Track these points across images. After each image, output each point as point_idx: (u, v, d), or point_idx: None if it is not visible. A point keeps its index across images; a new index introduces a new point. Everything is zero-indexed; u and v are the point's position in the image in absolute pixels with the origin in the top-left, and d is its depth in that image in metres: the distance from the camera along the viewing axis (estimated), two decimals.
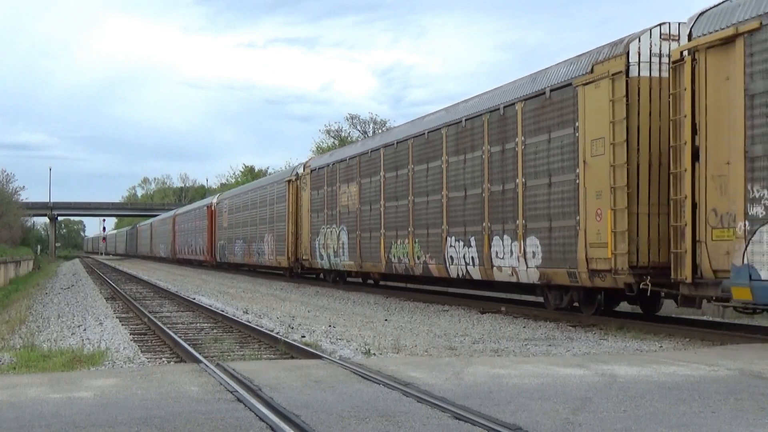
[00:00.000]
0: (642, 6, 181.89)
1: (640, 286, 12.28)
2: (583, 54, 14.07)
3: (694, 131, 11.05)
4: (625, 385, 7.18)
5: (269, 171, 79.89)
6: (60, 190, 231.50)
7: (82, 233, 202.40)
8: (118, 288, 27.55)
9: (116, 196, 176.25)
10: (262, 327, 13.62)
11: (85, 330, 14.18)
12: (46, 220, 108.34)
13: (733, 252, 10.33)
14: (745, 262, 10.08)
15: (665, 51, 12.55)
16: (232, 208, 41.76)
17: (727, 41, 10.47)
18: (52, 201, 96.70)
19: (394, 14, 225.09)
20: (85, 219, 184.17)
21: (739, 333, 11.84)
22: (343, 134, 67.75)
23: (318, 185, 27.33)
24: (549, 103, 14.41)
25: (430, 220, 18.96)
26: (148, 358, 11.03)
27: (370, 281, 25.64)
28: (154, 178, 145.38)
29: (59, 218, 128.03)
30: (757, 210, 10.01)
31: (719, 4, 11.06)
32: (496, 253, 16.03)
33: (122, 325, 15.26)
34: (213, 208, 46.54)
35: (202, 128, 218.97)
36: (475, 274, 16.90)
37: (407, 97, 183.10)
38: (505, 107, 15.82)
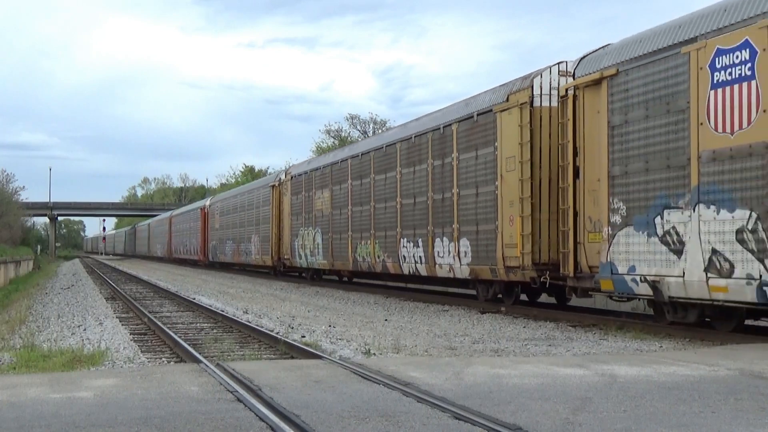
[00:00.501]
0: (641, 6, 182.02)
1: (542, 280, 14.78)
2: (503, 84, 16.58)
3: (576, 154, 13.57)
4: (625, 385, 7.18)
5: (269, 171, 79.93)
6: (60, 190, 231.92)
7: (82, 233, 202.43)
8: (118, 288, 27.56)
9: (116, 196, 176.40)
10: (262, 327, 13.62)
11: (85, 330, 14.18)
12: (46, 220, 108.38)
13: (601, 251, 12.89)
14: (608, 259, 12.70)
15: (561, 85, 14.70)
16: (223, 210, 44.06)
17: (597, 82, 13.04)
18: (52, 201, 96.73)
19: (394, 14, 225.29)
20: (85, 219, 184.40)
21: (739, 333, 11.83)
22: (343, 134, 67.80)
23: (297, 191, 29.86)
24: (477, 125, 16.97)
25: (388, 223, 21.47)
26: (148, 358, 11.04)
27: (345, 279, 28.51)
28: (154, 178, 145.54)
29: (59, 218, 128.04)
30: (616, 218, 12.60)
31: (594, 51, 13.67)
32: (438, 252, 18.56)
33: (122, 325, 15.26)
34: (206, 210, 48.68)
35: (202, 128, 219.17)
36: (423, 271, 19.52)
37: (407, 97, 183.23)
38: (444, 127, 18.45)
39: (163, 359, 11.15)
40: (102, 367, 9.65)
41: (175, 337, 12.49)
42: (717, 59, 10.79)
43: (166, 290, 25.69)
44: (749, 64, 10.34)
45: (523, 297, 17.50)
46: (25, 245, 63.23)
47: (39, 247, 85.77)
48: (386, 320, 15.31)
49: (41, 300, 22.69)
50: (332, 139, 67.81)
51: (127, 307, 19.56)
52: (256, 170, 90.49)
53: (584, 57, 13.78)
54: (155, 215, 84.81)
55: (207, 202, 50.53)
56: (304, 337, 12.23)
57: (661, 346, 10.98)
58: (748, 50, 10.36)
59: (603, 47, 13.58)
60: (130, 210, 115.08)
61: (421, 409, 6.16)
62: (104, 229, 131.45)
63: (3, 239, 48.83)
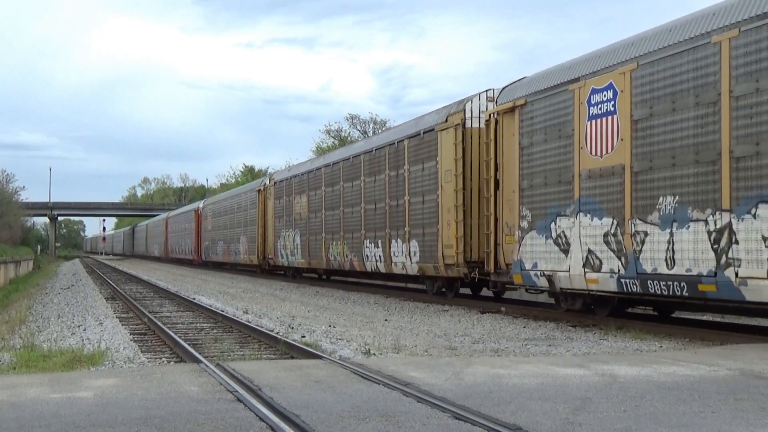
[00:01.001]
0: (640, 5, 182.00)
1: (471, 276, 17.43)
2: (444, 107, 19.18)
3: (496, 169, 16.04)
4: (625, 385, 7.18)
5: (269, 171, 79.96)
6: (59, 190, 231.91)
7: (82, 233, 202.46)
8: (118, 288, 27.56)
9: (116, 196, 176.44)
10: (262, 327, 13.62)
11: (85, 330, 14.18)
12: (46, 220, 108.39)
13: (514, 251, 15.43)
14: (519, 258, 15.27)
15: (487, 110, 17.03)
16: (215, 212, 46.69)
17: (512, 109, 15.52)
18: (52, 201, 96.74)
19: (393, 14, 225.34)
20: (85, 219, 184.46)
21: (739, 333, 11.84)
22: (343, 134, 67.78)
23: (279, 195, 32.67)
24: (423, 141, 19.65)
25: (354, 226, 24.12)
26: (148, 358, 11.04)
27: (323, 277, 31.06)
28: (154, 178, 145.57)
29: (59, 218, 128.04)
30: (524, 224, 15.08)
31: (513, 83, 16.23)
32: (394, 252, 21.26)
33: (122, 325, 15.26)
34: (199, 212, 51.22)
35: (202, 128, 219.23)
36: (382, 268, 22.31)
37: (406, 97, 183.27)
38: (398, 142, 21.20)
39: (163, 359, 11.15)
40: (102, 367, 9.65)
41: (175, 337, 12.49)
42: (592, 96, 13.35)
43: (166, 290, 25.69)
44: (613, 102, 12.90)
45: (468, 291, 19.96)
46: (25, 245, 63.25)
47: (39, 247, 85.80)
48: (386, 320, 15.31)
49: (41, 300, 22.69)
50: (332, 139, 67.81)
51: (127, 307, 19.56)
52: (256, 170, 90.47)
53: (504, 88, 16.37)
54: (155, 215, 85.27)
55: (200, 204, 52.87)
56: (304, 337, 12.23)
57: (661, 346, 10.98)
58: (611, 90, 12.96)
59: (519, 80, 16.13)
60: (130, 210, 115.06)
61: (421, 409, 6.16)
62: (104, 229, 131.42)
63: (3, 239, 48.83)
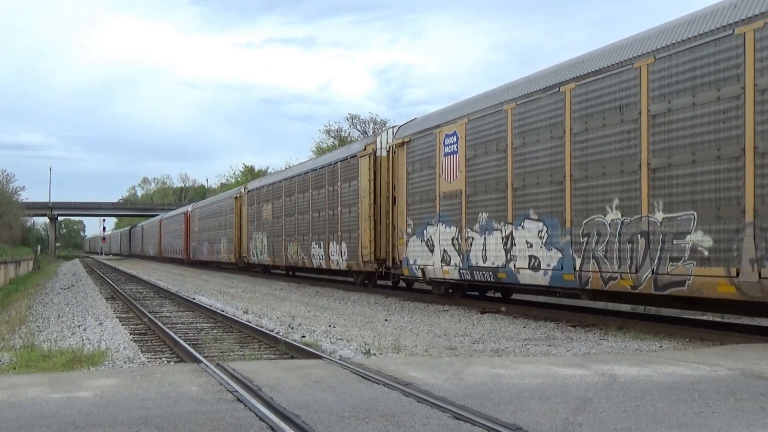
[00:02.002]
0: (639, 5, 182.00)
1: (380, 270, 22.61)
2: (364, 138, 26.37)
3: (394, 188, 21.18)
4: (625, 385, 7.18)
5: (269, 170, 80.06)
6: (59, 190, 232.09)
7: (82, 233, 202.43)
8: (118, 288, 27.56)
9: (116, 196, 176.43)
10: (262, 327, 13.62)
11: (85, 330, 14.18)
12: (46, 220, 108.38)
13: (404, 251, 20.27)
14: (406, 256, 20.11)
15: (391, 142, 21.89)
16: (201, 216, 51.65)
17: (402, 144, 20.50)
18: (52, 201, 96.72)
19: (392, 14, 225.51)
20: (85, 219, 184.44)
21: (739, 333, 11.84)
22: (343, 134, 67.76)
23: (251, 202, 37.81)
24: (350, 165, 24.74)
25: (305, 230, 29.34)
26: (148, 358, 11.03)
27: (288, 273, 35.49)
28: (154, 178, 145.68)
29: (59, 218, 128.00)
30: (409, 230, 19.94)
31: (407, 122, 21.44)
32: (331, 252, 26.23)
33: (122, 325, 15.26)
34: (188, 215, 56.05)
35: (201, 128, 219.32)
36: (323, 265, 27.29)
37: (405, 97, 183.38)
38: (334, 164, 26.50)
39: (163, 359, 11.15)
40: (102, 367, 9.64)
41: (175, 337, 12.49)
42: (446, 139, 18.23)
43: (166, 290, 25.69)
44: (456, 144, 17.75)
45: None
46: (25, 245, 63.26)
47: (39, 247, 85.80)
48: (386, 320, 15.31)
49: (41, 300, 22.69)
50: (332, 139, 67.79)
51: (127, 307, 19.56)
52: (256, 170, 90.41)
53: (400, 127, 21.66)
54: (155, 215, 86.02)
55: (189, 208, 58.09)
56: (304, 337, 12.23)
57: (661, 346, 10.98)
58: (455, 136, 17.84)
59: (410, 121, 21.46)
60: (130, 210, 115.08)
61: (421, 409, 6.16)
62: (104, 229, 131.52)
63: (3, 239, 48.82)
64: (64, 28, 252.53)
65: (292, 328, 13.74)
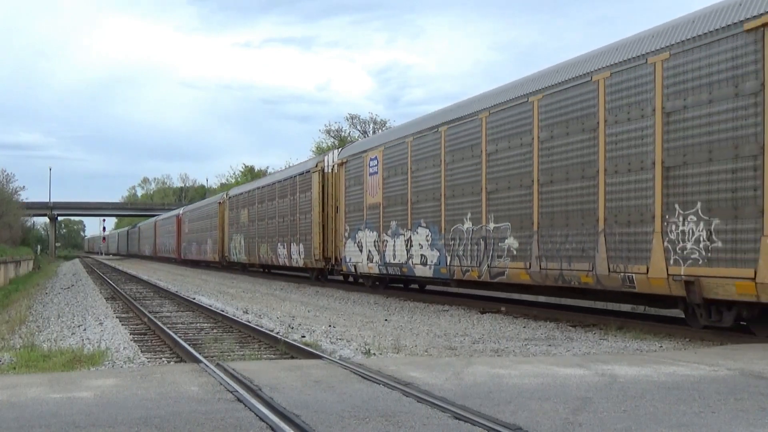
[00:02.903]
0: (638, 5, 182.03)
1: (328, 267, 26.98)
2: (317, 156, 31.97)
3: (337, 199, 25.42)
4: (625, 385, 7.18)
5: (269, 170, 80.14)
6: (58, 189, 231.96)
7: (82, 233, 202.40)
8: (118, 288, 27.56)
9: (116, 196, 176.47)
10: (262, 327, 13.61)
11: (85, 330, 14.18)
12: (46, 220, 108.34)
13: (343, 251, 24.72)
14: (344, 255, 24.51)
15: (334, 161, 26.23)
16: (191, 219, 56.48)
17: (342, 163, 25.03)
18: (52, 201, 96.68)
19: (390, 14, 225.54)
20: (85, 219, 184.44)
21: (739, 333, 11.83)
22: (343, 134, 67.74)
23: (232, 208, 42.65)
24: (305, 178, 29.25)
25: (273, 233, 33.89)
26: (148, 358, 11.03)
27: (264, 270, 39.65)
28: (154, 178, 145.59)
29: (59, 218, 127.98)
30: (347, 234, 24.33)
31: (347, 145, 26.19)
32: (292, 252, 30.72)
33: (122, 325, 15.26)
34: (180, 217, 61.01)
35: (201, 128, 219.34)
36: (286, 263, 31.87)
37: (404, 97, 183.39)
38: (293, 177, 31.09)
39: (163, 359, 11.15)
40: (102, 367, 9.64)
41: (175, 337, 12.49)
42: (370, 162, 22.68)
43: (166, 290, 25.69)
44: (377, 166, 22.12)
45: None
46: (25, 245, 63.24)
47: (39, 247, 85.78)
48: (386, 320, 15.31)
49: (41, 300, 22.69)
50: (332, 139, 67.77)
51: (127, 307, 19.56)
52: (256, 170, 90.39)
53: (341, 149, 26.61)
54: (155, 215, 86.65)
55: (181, 211, 63.22)
56: (304, 337, 12.23)
57: (661, 346, 10.98)
58: (376, 160, 22.17)
59: (349, 144, 26.61)
60: (130, 210, 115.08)
61: (421, 409, 6.16)
62: (104, 229, 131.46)
63: (3, 239, 48.81)
64: (63, 28, 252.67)
65: (292, 328, 13.74)
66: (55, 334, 13.56)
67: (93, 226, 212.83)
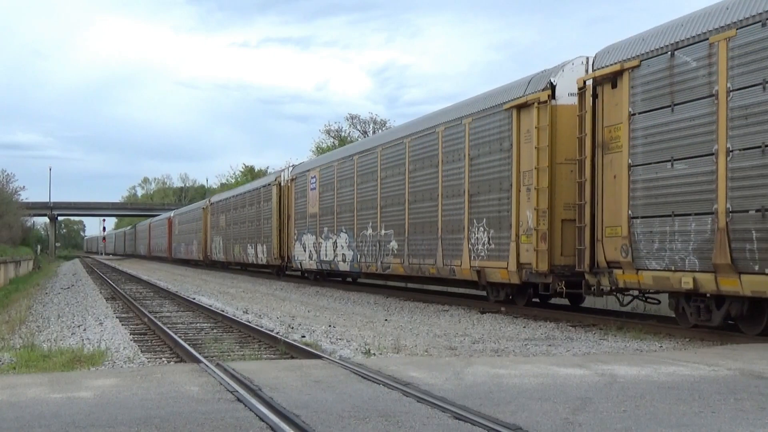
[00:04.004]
0: (635, 4, 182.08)
1: (282, 263, 32.49)
2: (276, 173, 35.41)
3: (289, 209, 31.21)
4: (625, 385, 7.18)
5: (268, 170, 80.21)
6: (57, 190, 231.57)
7: (82, 233, 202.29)
8: (118, 288, 27.56)
9: (116, 196, 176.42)
10: (262, 327, 13.62)
11: (85, 330, 14.18)
12: (46, 220, 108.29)
13: (293, 251, 30.62)
14: (294, 254, 30.56)
15: (288, 177, 32.05)
16: (180, 221, 62.13)
17: (293, 179, 31.09)
18: (52, 201, 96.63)
19: (388, 14, 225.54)
20: (85, 219, 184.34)
21: (739, 333, 11.83)
22: (343, 134, 67.71)
23: (213, 213, 47.92)
24: (267, 190, 34.45)
25: (244, 235, 38.90)
26: (148, 358, 11.03)
27: (239, 268, 44.98)
28: (154, 178, 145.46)
29: (59, 218, 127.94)
30: (295, 236, 30.31)
31: (298, 164, 32.79)
32: (258, 252, 35.74)
33: (122, 325, 15.26)
34: (171, 220, 66.92)
35: (201, 128, 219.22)
36: (253, 260, 37.03)
37: (403, 97, 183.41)
38: (258, 189, 36.75)
39: (163, 359, 11.15)
40: (102, 367, 9.64)
41: (175, 337, 12.49)
42: (311, 180, 28.05)
43: (166, 290, 25.69)
44: (316, 183, 27.58)
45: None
46: (25, 245, 63.20)
47: (39, 247, 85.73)
48: (386, 320, 15.31)
49: (41, 300, 22.69)
50: (332, 139, 67.74)
51: (127, 307, 19.56)
52: (256, 170, 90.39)
53: (294, 167, 32.26)
54: (155, 215, 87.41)
55: (171, 214, 69.01)
56: (304, 337, 12.23)
57: (661, 346, 10.98)
58: (316, 178, 27.53)
59: (300, 163, 32.59)
60: (130, 210, 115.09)
61: (421, 409, 6.16)
62: (104, 229, 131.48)
63: (3, 239, 48.79)
64: (61, 27, 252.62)
65: (292, 328, 13.74)
66: (55, 334, 13.56)
67: (93, 226, 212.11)
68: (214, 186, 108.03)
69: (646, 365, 8.33)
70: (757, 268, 10.21)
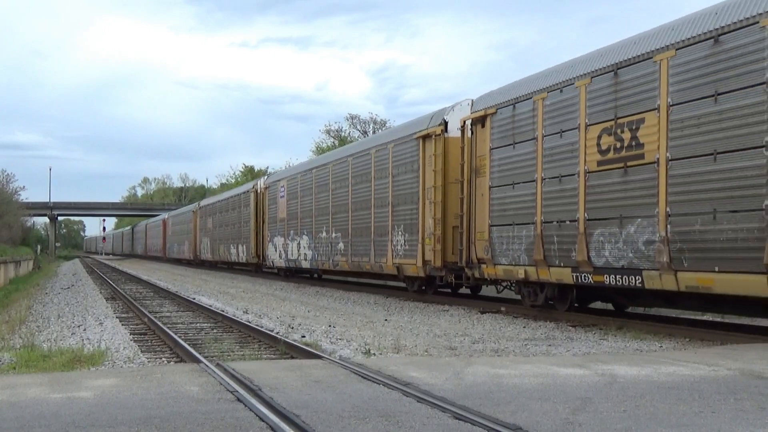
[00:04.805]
0: (634, 4, 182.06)
1: (258, 263, 37.04)
2: (254, 181, 39.49)
3: (264, 213, 35.81)
4: (625, 385, 7.18)
5: (268, 170, 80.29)
6: (56, 190, 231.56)
7: (82, 233, 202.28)
8: (118, 288, 27.55)
9: (116, 196, 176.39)
10: (262, 327, 13.62)
11: (85, 330, 14.18)
12: (46, 220, 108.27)
13: (267, 250, 34.96)
14: (267, 253, 34.96)
15: (263, 186, 36.65)
16: (173, 223, 66.42)
17: (267, 188, 36.24)
18: (52, 201, 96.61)
19: (387, 14, 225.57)
20: (85, 219, 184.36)
21: (740, 333, 11.84)
22: (343, 134, 67.72)
23: (202, 216, 52.11)
24: (247, 196, 38.20)
25: (227, 237, 42.79)
26: (148, 358, 11.03)
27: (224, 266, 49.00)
28: (154, 178, 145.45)
29: (59, 218, 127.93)
30: (268, 238, 34.83)
31: (269, 174, 41.49)
32: (239, 251, 39.47)
33: (122, 325, 15.25)
34: (165, 221, 71.02)
35: (201, 128, 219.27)
36: (235, 259, 40.93)
37: (402, 97, 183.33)
38: (237, 196, 41.07)
39: (163, 359, 11.15)
40: (102, 367, 9.64)
41: (175, 337, 12.49)
42: (281, 189, 32.51)
43: (166, 290, 25.69)
44: (284, 192, 31.97)
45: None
46: (25, 245, 63.20)
47: (39, 247, 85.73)
48: (386, 320, 15.30)
49: (41, 300, 22.69)
50: (332, 139, 67.74)
51: (127, 307, 19.56)
52: (256, 170, 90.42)
53: (267, 176, 36.18)
54: (155, 215, 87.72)
55: (165, 216, 73.18)
56: (304, 337, 12.23)
57: (661, 346, 10.98)
58: (284, 187, 32.00)
59: (271, 173, 39.44)
60: (130, 210, 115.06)
61: (421, 409, 6.16)
62: (104, 229, 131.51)
63: (3, 239, 48.79)
64: (60, 28, 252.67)
65: (292, 328, 13.74)
66: (55, 334, 13.56)
67: (93, 226, 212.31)
68: (215, 186, 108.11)
69: (646, 365, 8.33)
70: (557, 262, 14.09)
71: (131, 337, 13.39)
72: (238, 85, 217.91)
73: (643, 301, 14.56)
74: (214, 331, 14.40)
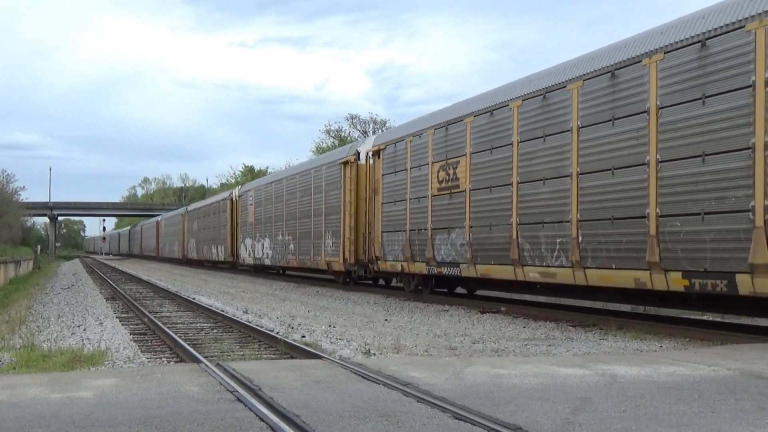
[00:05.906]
0: (634, 4, 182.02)
1: (233, 262, 42.42)
2: (230, 190, 47.68)
3: (238, 218, 41.74)
4: (625, 385, 7.18)
5: (268, 170, 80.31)
6: (56, 190, 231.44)
7: (82, 233, 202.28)
8: (118, 288, 27.55)
9: (116, 196, 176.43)
10: (262, 327, 13.61)
11: (85, 330, 14.18)
12: (46, 220, 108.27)
13: (240, 250, 40.43)
14: (239, 252, 40.22)
15: (237, 194, 42.22)
16: (166, 224, 71.32)
17: (240, 196, 42.13)
18: (52, 201, 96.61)
19: (386, 14, 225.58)
20: (85, 219, 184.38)
21: (740, 333, 11.84)
22: (343, 134, 67.73)
23: (190, 219, 56.96)
24: (224, 203, 43.95)
25: (209, 238, 47.76)
26: (148, 358, 11.03)
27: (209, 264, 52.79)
28: (154, 178, 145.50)
29: (59, 218, 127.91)
30: (241, 239, 39.80)
31: (244, 185, 43.80)
32: (219, 251, 44.73)
33: (122, 324, 15.25)
34: (159, 223, 75.69)
35: (201, 128, 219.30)
36: (216, 258, 45.89)
37: (401, 97, 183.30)
38: (217, 202, 47.04)
39: (163, 359, 11.15)
40: (102, 367, 9.64)
41: (175, 337, 12.49)
42: (249, 198, 38.68)
43: (166, 290, 25.69)
44: (253, 200, 37.92)
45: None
46: (25, 245, 63.20)
47: (39, 246, 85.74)
48: (386, 320, 15.30)
49: (41, 300, 22.69)
50: (332, 139, 67.76)
51: (127, 307, 19.55)
52: (256, 170, 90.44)
53: (241, 186, 41.19)
54: (155, 215, 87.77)
55: (159, 217, 77.73)
56: (304, 337, 12.23)
57: (661, 346, 10.98)
58: (252, 196, 38.16)
59: (245, 183, 44.23)
60: (130, 210, 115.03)
61: (421, 409, 6.16)
62: (104, 229, 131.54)
63: (3, 239, 48.80)
64: (60, 28, 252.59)
65: (292, 328, 13.74)
66: (55, 334, 13.56)
67: (93, 226, 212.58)
68: (214, 186, 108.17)
69: (646, 365, 8.33)
70: (418, 258, 19.51)
71: (131, 337, 13.39)
72: (238, 85, 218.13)
73: (464, 285, 21.00)
74: (214, 331, 14.40)
